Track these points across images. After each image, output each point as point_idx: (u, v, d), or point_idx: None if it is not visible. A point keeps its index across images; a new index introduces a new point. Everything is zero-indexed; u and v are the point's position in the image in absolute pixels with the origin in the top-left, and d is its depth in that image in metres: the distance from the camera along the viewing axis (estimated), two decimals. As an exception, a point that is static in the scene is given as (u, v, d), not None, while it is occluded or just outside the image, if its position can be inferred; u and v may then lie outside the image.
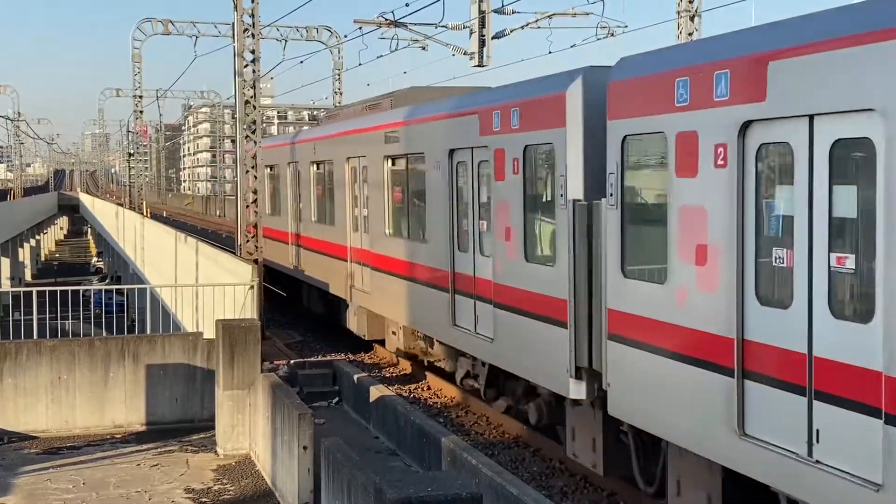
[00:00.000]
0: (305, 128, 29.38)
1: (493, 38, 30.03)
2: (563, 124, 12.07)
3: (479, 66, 29.39)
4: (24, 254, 59.24)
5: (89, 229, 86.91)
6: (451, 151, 15.57)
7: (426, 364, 18.60)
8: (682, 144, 9.77)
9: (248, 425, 13.73)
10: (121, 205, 55.89)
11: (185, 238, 23.75)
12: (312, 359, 20.39)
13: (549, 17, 31.57)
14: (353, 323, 21.34)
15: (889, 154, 7.41)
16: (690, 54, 10.00)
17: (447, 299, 15.78)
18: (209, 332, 15.71)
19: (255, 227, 24.19)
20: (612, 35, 30.92)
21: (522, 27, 31.84)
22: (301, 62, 39.12)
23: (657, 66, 10.34)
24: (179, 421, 15.36)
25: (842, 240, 7.96)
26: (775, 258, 8.62)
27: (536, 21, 31.66)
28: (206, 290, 18.18)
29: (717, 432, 9.10)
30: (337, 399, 18.17)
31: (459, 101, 15.71)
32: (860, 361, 7.68)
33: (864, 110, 7.68)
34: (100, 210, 61.61)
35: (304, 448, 10.99)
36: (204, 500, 11.90)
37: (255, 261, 22.71)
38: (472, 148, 14.84)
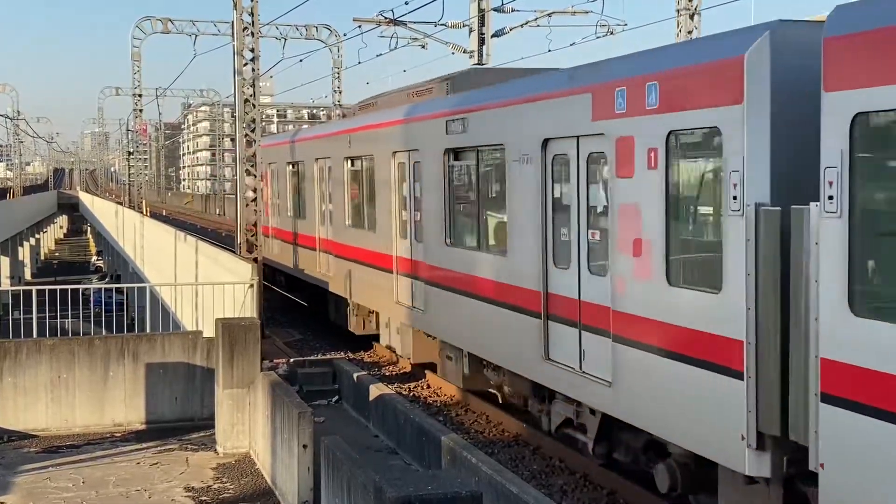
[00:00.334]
0: (334, 120, 27.45)
1: (492, 36, 30.03)
2: (739, 100, 9.15)
3: (478, 64, 29.37)
4: (24, 253, 59.26)
5: (89, 228, 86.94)
6: (546, 142, 12.57)
7: (496, 396, 16.15)
8: None
9: (247, 424, 13.73)
10: (120, 203, 55.87)
11: (185, 237, 23.76)
12: (312, 357, 20.38)
13: (549, 15, 31.56)
14: (397, 342, 19.04)
15: None
16: None
17: (536, 325, 12.84)
18: (209, 331, 15.71)
19: (255, 225, 24.17)
20: (612, 33, 30.93)
21: (522, 25, 31.85)
22: (300, 61, 39.11)
23: None
24: (179, 420, 15.37)
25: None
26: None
27: (536, 19, 31.65)
28: (205, 288, 18.19)
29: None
30: (336, 397, 18.17)
31: (558, 79, 12.65)
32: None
33: None
34: (99, 209, 61.61)
35: (304, 446, 10.99)
36: (204, 498, 11.90)
37: (255, 259, 22.71)
38: (577, 137, 11.88)
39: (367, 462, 9.65)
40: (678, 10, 26.43)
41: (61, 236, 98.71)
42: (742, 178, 9.13)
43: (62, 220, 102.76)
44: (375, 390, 16.19)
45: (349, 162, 21.07)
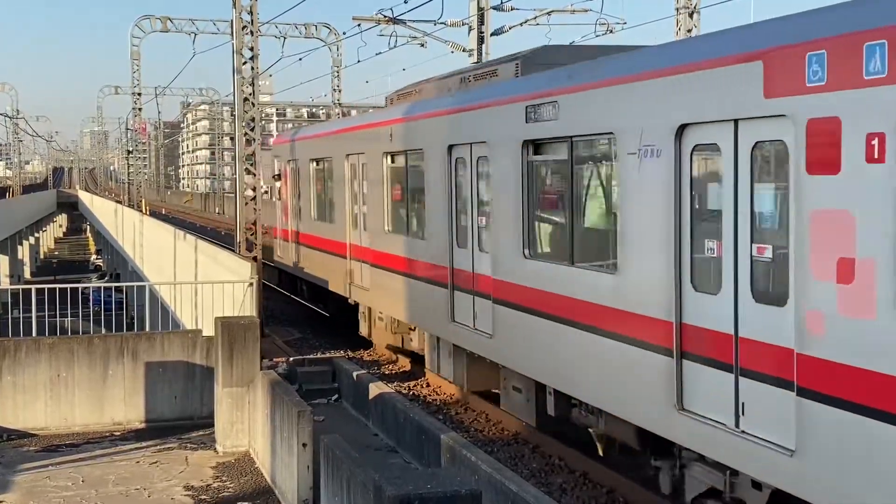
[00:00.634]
0: (371, 110, 24.01)
1: (491, 34, 30.04)
2: None
3: (477, 62, 29.34)
4: (24, 251, 59.26)
5: (88, 227, 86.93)
6: (681, 129, 9.73)
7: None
8: None
9: (247, 422, 13.73)
10: (120, 202, 55.87)
11: (185, 235, 23.76)
12: (311, 356, 20.38)
13: (548, 13, 31.55)
14: (447, 366, 16.39)
15: None
16: None
17: (664, 365, 9.94)
18: (208, 330, 15.71)
19: (255, 224, 24.16)
20: (612, 32, 30.92)
21: (521, 24, 31.85)
22: (300, 59, 39.10)
23: None
24: (179, 418, 15.37)
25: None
26: None
27: (535, 18, 31.64)
28: (205, 287, 18.19)
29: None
30: (336, 396, 18.16)
31: (703, 45, 9.97)
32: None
33: None
34: (99, 208, 61.63)
35: (304, 445, 10.99)
36: (203, 497, 11.90)
37: (255, 258, 22.70)
38: (735, 120, 9.04)
39: (367, 461, 9.65)
40: (677, 9, 26.44)
41: (61, 235, 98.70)
42: None
43: (61, 219, 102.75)
44: (375, 389, 16.19)
45: (389, 158, 18.24)
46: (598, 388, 11.30)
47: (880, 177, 7.49)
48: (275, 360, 19.30)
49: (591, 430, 12.43)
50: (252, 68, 24.37)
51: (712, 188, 9.54)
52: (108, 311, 21.70)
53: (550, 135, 12.26)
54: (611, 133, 10.92)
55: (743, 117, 8.90)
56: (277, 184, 26.96)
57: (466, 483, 6.60)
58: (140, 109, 56.52)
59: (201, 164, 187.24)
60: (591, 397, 11.57)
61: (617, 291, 10.80)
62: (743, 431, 8.89)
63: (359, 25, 32.68)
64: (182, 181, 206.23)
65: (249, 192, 24.26)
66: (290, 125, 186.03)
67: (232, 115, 26.53)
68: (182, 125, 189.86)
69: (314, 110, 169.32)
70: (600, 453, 12.51)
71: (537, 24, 31.80)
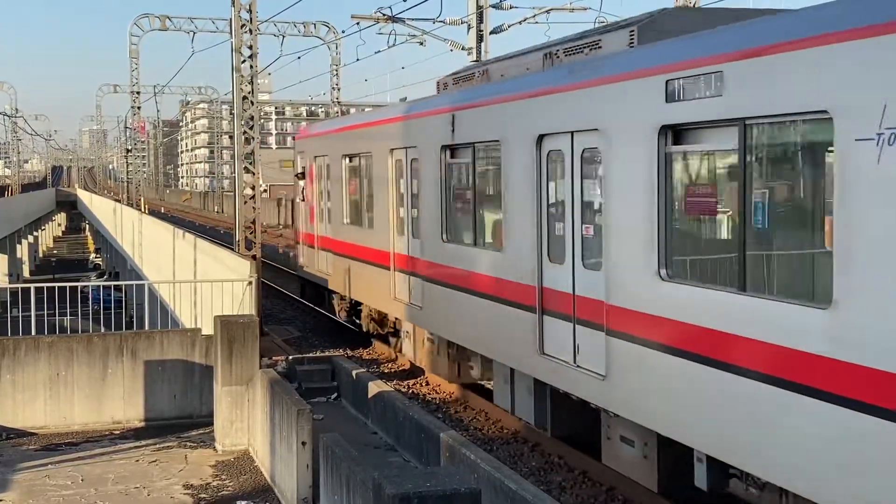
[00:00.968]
0: (405, 100, 20.53)
1: (490, 33, 30.03)
2: None
3: (476, 61, 29.36)
4: (23, 250, 59.25)
5: (87, 226, 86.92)
6: None
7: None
8: None
9: (246, 421, 13.74)
10: (119, 201, 55.87)
11: (184, 234, 23.75)
12: (311, 354, 20.38)
13: (547, 11, 31.56)
14: (526, 406, 13.67)
15: None
16: None
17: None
18: (207, 329, 15.72)
19: (254, 222, 24.15)
20: (610, 30, 30.85)
21: (520, 22, 31.86)
22: (298, 58, 39.12)
23: None
24: (178, 417, 15.37)
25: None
26: None
27: (534, 16, 31.65)
28: (204, 286, 18.19)
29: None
30: (335, 395, 18.16)
31: None
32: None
33: None
34: (98, 206, 61.62)
35: (303, 444, 10.99)
36: (202, 495, 11.90)
37: (254, 257, 22.70)
38: None
39: (366, 459, 9.66)
40: (676, 7, 26.41)
41: (60, 234, 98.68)
42: None
43: (60, 218, 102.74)
44: (374, 387, 16.19)
45: (448, 153, 15.49)
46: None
47: None
48: (274, 358, 19.31)
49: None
50: (251, 67, 24.37)
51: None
52: (108, 309, 21.69)
53: (707, 117, 9.32)
54: (823, 111, 7.82)
55: None
56: (301, 183, 24.25)
57: (466, 481, 6.60)
58: (139, 108, 56.50)
59: (200, 162, 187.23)
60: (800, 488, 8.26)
61: (840, 331, 7.71)
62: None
63: (358, 24, 32.69)
64: (181, 180, 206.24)
65: (248, 191, 24.25)
66: (288, 124, 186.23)
67: (231, 113, 26.52)
68: (181, 124, 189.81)
69: (313, 109, 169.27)
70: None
71: (536, 23, 31.82)
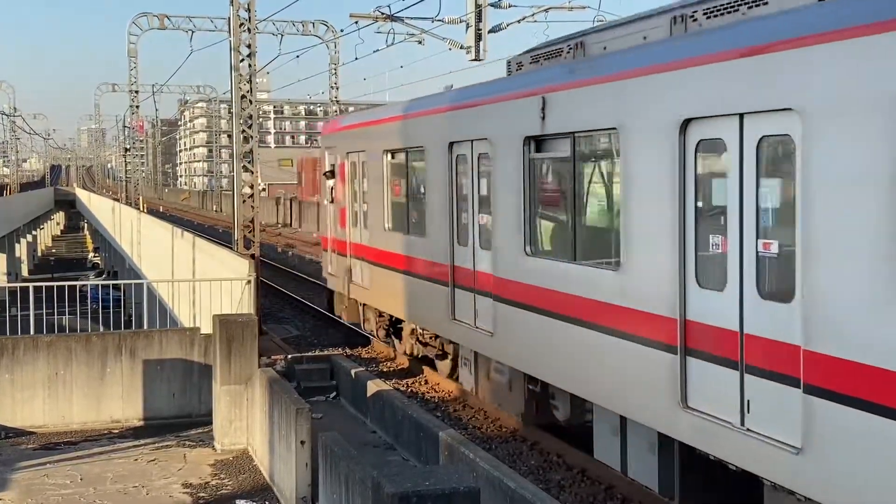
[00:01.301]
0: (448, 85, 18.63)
1: (489, 31, 30.00)
2: None
3: (475, 60, 29.37)
4: (21, 249, 59.24)
5: (86, 225, 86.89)
6: None
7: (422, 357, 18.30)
8: None
9: (245, 420, 13.73)
10: (117, 200, 55.85)
11: (182, 233, 23.74)
12: (310, 353, 20.38)
13: (546, 10, 31.55)
14: (645, 468, 10.84)
15: None
16: None
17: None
18: (206, 328, 15.71)
19: (252, 221, 24.16)
20: (609, 29, 30.86)
21: (519, 21, 31.84)
22: (297, 57, 39.17)
23: None
24: (177, 416, 15.37)
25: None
26: None
27: (533, 15, 31.64)
28: (202, 285, 18.18)
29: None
30: (334, 394, 18.16)
31: None
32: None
33: None
34: (96, 205, 61.61)
35: (302, 443, 10.99)
36: (201, 494, 11.90)
37: (252, 256, 22.70)
38: None
39: (365, 458, 9.66)
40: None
41: (58, 233, 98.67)
42: None
43: (59, 217, 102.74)
44: (373, 386, 16.19)
45: (533, 146, 12.57)
46: None
47: None
48: (273, 357, 19.31)
49: None
50: (249, 66, 24.37)
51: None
52: (106, 308, 21.68)
53: None
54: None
55: None
56: (329, 182, 21.56)
57: (465, 480, 6.60)
58: (137, 107, 56.48)
59: (199, 161, 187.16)
60: None
61: None
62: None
63: (356, 23, 32.66)
64: (179, 179, 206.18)
65: (247, 190, 24.25)
66: (287, 123, 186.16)
67: (229, 112, 26.52)
68: (179, 123, 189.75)
69: (312, 108, 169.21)
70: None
71: (535, 21, 31.81)
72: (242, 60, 24.29)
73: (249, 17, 24.23)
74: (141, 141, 69.23)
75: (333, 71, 43.26)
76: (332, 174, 21.41)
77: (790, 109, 8.12)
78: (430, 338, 17.44)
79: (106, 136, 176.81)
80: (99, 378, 15.17)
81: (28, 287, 16.59)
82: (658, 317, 9.96)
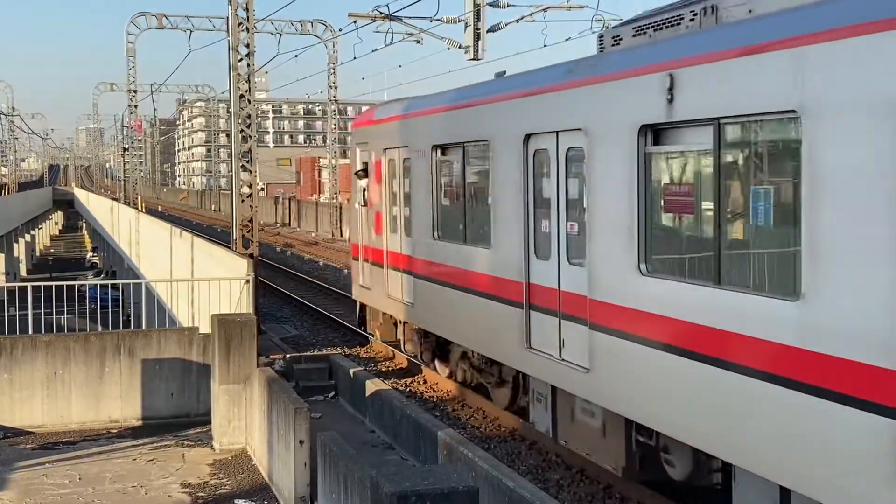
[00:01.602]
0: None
1: (487, 31, 30.03)
2: None
3: (474, 59, 29.38)
4: (19, 249, 59.20)
5: (84, 224, 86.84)
6: None
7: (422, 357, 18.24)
8: None
9: (244, 420, 13.73)
10: (115, 200, 55.83)
11: (181, 233, 23.73)
12: (308, 353, 20.38)
13: (544, 10, 31.56)
14: None
15: None
16: None
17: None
18: (205, 327, 15.70)
19: (251, 221, 24.15)
20: (607, 28, 30.91)
21: (517, 20, 31.86)
22: (296, 56, 39.19)
23: None
24: (175, 416, 15.36)
25: None
26: None
27: (531, 14, 31.65)
28: (201, 284, 18.17)
29: None
30: (333, 393, 18.16)
31: None
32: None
33: None
34: (94, 205, 61.57)
35: (301, 442, 10.99)
36: (200, 494, 11.89)
37: (251, 255, 22.69)
38: None
39: (364, 457, 9.67)
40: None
41: (57, 233, 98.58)
42: None
43: (57, 217, 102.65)
44: (372, 386, 16.19)
45: (650, 137, 10.00)
46: None
47: None
48: (271, 357, 19.31)
49: None
50: (248, 65, 24.36)
51: None
52: (105, 308, 21.66)
53: None
54: None
55: None
56: (361, 182, 19.19)
57: (464, 480, 6.60)
58: (136, 106, 56.47)
59: (197, 161, 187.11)
60: None
61: None
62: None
63: (355, 22, 32.67)
64: (178, 178, 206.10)
65: (245, 189, 24.25)
66: (286, 123, 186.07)
67: (228, 111, 26.52)
68: (178, 122, 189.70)
69: (310, 107, 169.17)
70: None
71: (533, 21, 31.82)
72: (241, 60, 24.28)
73: (248, 17, 24.22)
74: (139, 140, 69.22)
75: (332, 70, 43.29)
76: (364, 173, 19.02)
77: None
78: (486, 363, 15.16)
79: (104, 135, 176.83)
80: (97, 378, 15.17)
81: (26, 287, 16.58)
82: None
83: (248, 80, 24.28)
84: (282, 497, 11.53)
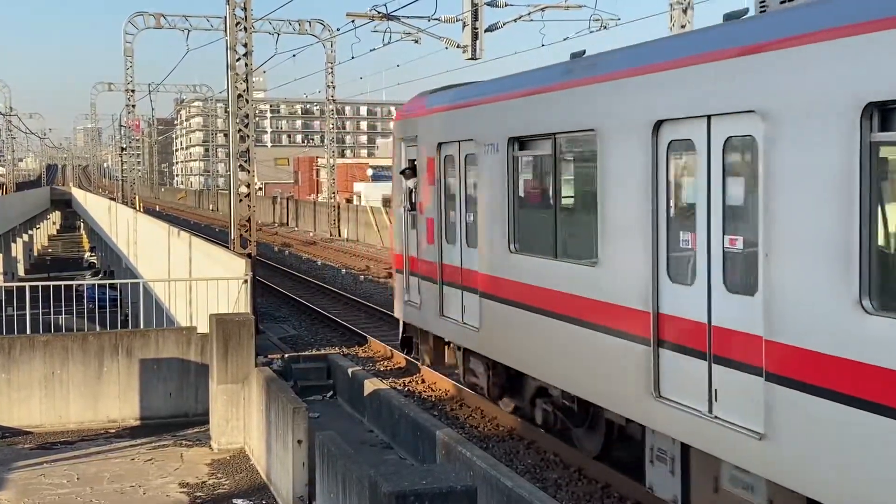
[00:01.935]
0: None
1: (485, 30, 30.01)
2: None
3: (471, 59, 29.37)
4: (17, 249, 59.18)
5: (82, 224, 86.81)
6: None
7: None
8: None
9: (242, 419, 13.72)
10: (113, 199, 55.81)
11: (178, 232, 23.72)
12: (306, 353, 20.38)
13: (542, 9, 31.56)
14: None
15: None
16: None
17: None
18: (203, 327, 15.70)
19: (249, 221, 24.15)
20: (605, 28, 30.93)
21: (515, 20, 31.85)
22: (293, 55, 39.18)
23: None
24: (173, 415, 15.35)
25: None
26: None
27: (529, 14, 31.65)
28: (199, 284, 18.16)
29: None
30: (331, 393, 18.15)
31: None
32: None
33: None
34: (92, 205, 61.53)
35: (299, 442, 10.98)
36: (198, 494, 11.89)
37: (249, 255, 22.68)
38: None
39: (362, 457, 9.66)
40: (671, 4, 26.44)
41: (54, 232, 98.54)
42: None
43: (55, 216, 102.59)
44: (370, 385, 16.19)
45: (877, 121, 7.33)
46: None
47: None
48: (270, 356, 19.30)
49: None
50: (246, 65, 24.36)
51: None
52: (103, 308, 21.65)
53: None
54: None
55: None
56: (408, 183, 16.63)
57: (462, 479, 6.60)
58: (133, 106, 56.45)
59: (195, 160, 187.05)
60: None
61: None
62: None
63: (353, 22, 32.67)
64: (176, 178, 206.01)
65: (243, 189, 24.24)
66: (284, 122, 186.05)
67: (226, 111, 26.50)
68: (176, 122, 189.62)
69: (308, 107, 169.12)
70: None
71: (531, 20, 31.81)
72: (239, 59, 24.28)
73: (245, 16, 24.22)
74: (137, 140, 69.23)
75: (330, 70, 43.29)
76: (412, 172, 16.44)
77: None
78: (571, 400, 12.59)
79: (102, 135, 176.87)
80: (95, 377, 15.16)
81: (24, 286, 16.56)
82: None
83: (246, 80, 24.27)
84: (280, 497, 11.53)
